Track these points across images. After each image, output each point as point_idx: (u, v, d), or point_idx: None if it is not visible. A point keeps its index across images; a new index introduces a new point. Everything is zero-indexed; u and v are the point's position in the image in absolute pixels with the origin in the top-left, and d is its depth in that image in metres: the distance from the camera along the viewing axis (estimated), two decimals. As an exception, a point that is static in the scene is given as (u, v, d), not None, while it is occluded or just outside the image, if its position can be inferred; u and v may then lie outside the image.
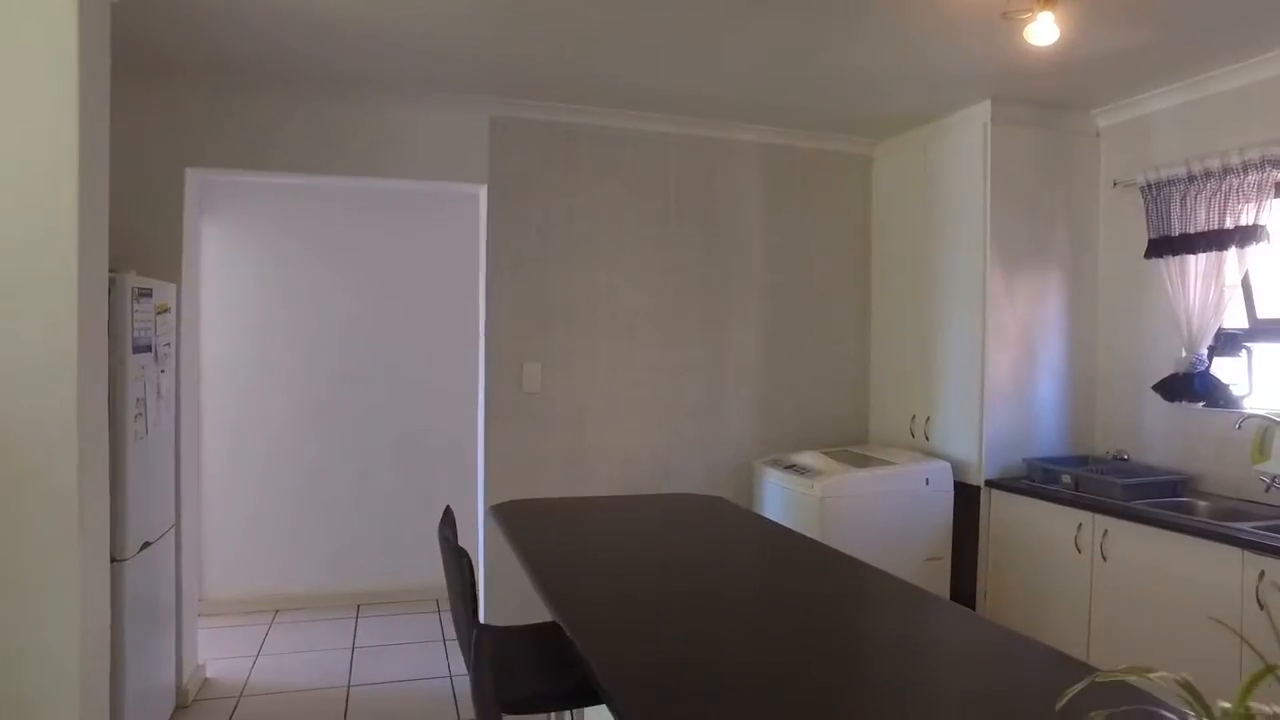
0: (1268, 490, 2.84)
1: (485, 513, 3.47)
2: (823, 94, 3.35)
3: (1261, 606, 2.37)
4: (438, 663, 3.57)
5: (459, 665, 3.54)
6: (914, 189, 3.78)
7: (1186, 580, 2.57)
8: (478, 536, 3.61)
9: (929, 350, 3.67)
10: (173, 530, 3.04)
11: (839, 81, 3.19)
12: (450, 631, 3.95)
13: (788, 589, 1.92)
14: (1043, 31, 2.26)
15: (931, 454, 3.57)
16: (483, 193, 3.52)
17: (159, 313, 2.89)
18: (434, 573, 4.42)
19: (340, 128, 3.29)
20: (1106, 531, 2.85)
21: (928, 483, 3.36)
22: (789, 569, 2.07)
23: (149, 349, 2.78)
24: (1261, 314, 3.06)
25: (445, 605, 4.34)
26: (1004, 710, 1.27)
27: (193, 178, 3.19)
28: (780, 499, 3.41)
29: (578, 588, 1.85)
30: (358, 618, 4.14)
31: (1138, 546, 2.74)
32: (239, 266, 4.17)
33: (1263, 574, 2.37)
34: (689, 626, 1.61)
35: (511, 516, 2.51)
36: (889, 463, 3.40)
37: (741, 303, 3.86)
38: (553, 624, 1.71)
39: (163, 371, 2.93)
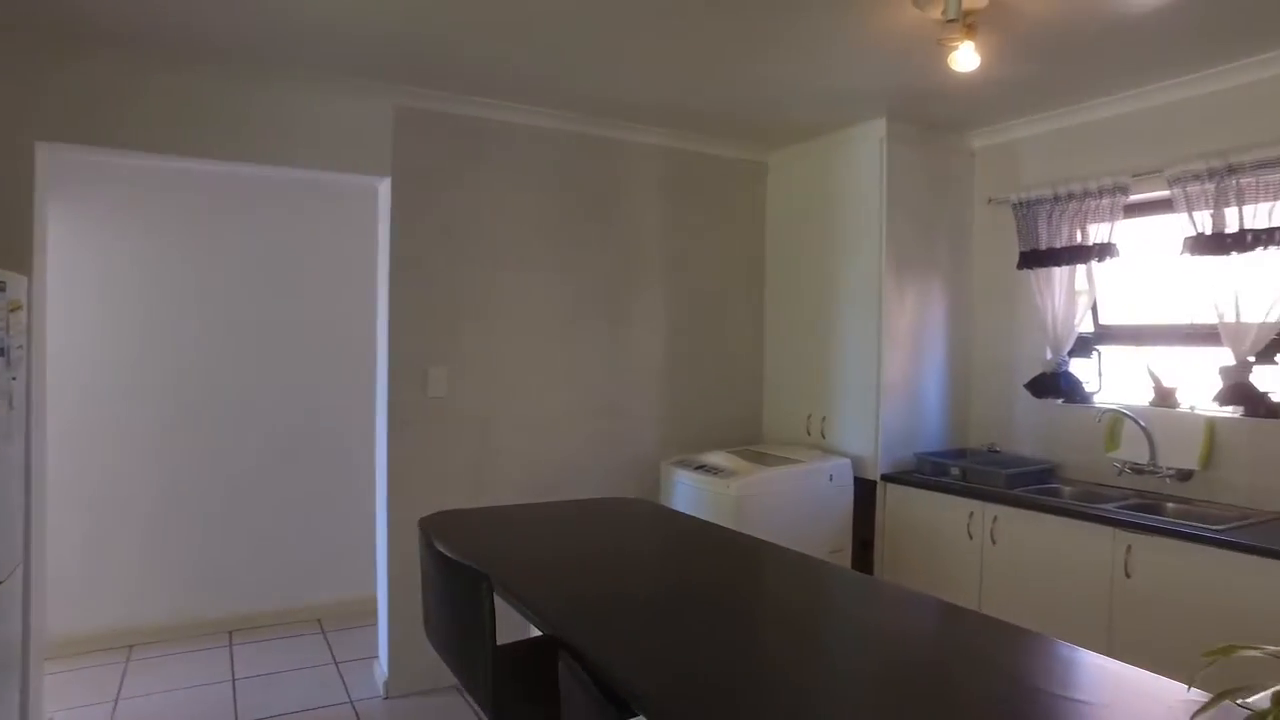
0: (1120, 474, 3.22)
1: (389, 524, 3.27)
2: (726, 103, 3.42)
3: (1129, 576, 2.69)
4: (333, 689, 3.32)
5: (360, 689, 3.31)
6: (811, 197, 3.95)
7: (1065, 557, 2.86)
8: (377, 551, 3.40)
9: (826, 352, 3.86)
10: (21, 568, 2.62)
11: (743, 92, 3.27)
12: (345, 653, 3.69)
13: (756, 583, 1.96)
14: (965, 59, 2.44)
15: (829, 451, 3.76)
16: (384, 186, 3.31)
17: (10, 310, 2.49)
18: (317, 591, 4.16)
19: (220, 106, 2.97)
20: (996, 518, 3.12)
21: (831, 479, 3.53)
22: (744, 562, 2.11)
23: (1, 352, 2.39)
24: (1108, 320, 3.46)
25: (331, 625, 4.06)
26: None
27: (44, 153, 2.77)
28: (693, 499, 3.46)
29: (560, 599, 1.78)
30: (232, 645, 3.77)
31: (1023, 530, 3.02)
32: (85, 256, 3.68)
33: (1130, 548, 2.68)
34: (700, 632, 1.60)
35: (447, 529, 2.38)
36: (795, 461, 3.53)
37: (645, 304, 3.88)
38: (537, 641, 1.65)
39: (14, 379, 2.53)
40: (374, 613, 4.19)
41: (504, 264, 3.52)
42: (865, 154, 3.63)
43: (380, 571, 3.37)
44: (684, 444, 3.99)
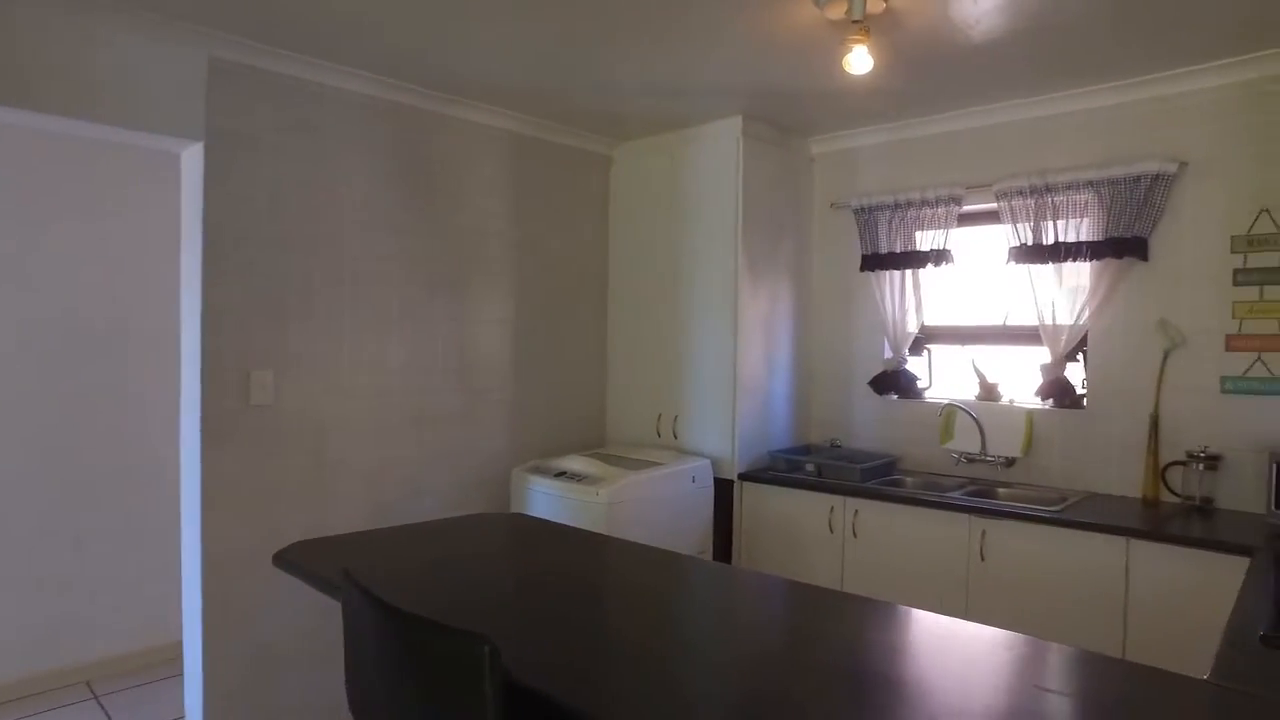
0: (957, 464, 3.48)
1: (204, 559, 2.71)
2: (575, 89, 3.24)
3: (983, 559, 2.90)
4: (125, 767, 2.70)
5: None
6: (660, 192, 3.88)
7: (925, 545, 3.03)
8: (185, 591, 2.82)
9: (678, 351, 3.81)
10: None
11: (594, 80, 3.12)
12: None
13: (683, 591, 1.82)
14: (859, 62, 2.47)
15: (684, 452, 3.71)
16: (193, 153, 2.74)
17: None
18: (84, 646, 3.38)
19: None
20: (857, 511, 3.24)
21: (694, 480, 3.48)
22: (664, 572, 1.97)
23: None
24: (940, 321, 3.74)
25: (102, 689, 3.33)
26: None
27: None
28: (555, 508, 3.24)
29: (505, 635, 1.52)
30: (-32, 729, 2.95)
31: (884, 522, 3.16)
32: None
33: (984, 533, 2.89)
34: (650, 651, 1.42)
35: (316, 562, 1.99)
36: (656, 463, 3.44)
37: (489, 300, 3.59)
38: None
39: None
40: (157, 667, 3.53)
41: (338, 251, 3.07)
42: (721, 151, 3.62)
43: (191, 617, 2.79)
44: (531, 449, 3.75)
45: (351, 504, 3.11)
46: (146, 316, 3.64)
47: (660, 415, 3.88)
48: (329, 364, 3.04)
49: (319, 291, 3.01)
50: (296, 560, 2.03)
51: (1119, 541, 2.61)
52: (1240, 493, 2.84)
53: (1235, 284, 2.87)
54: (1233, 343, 2.88)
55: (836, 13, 2.39)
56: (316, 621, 3.00)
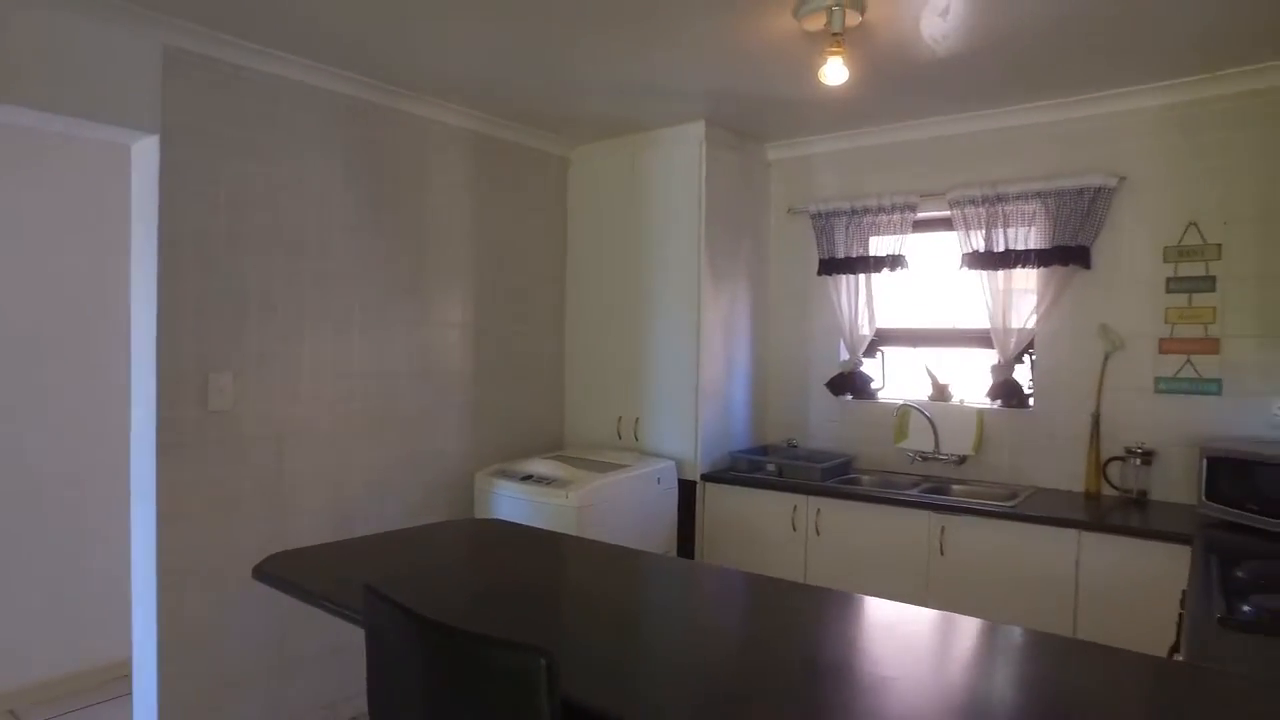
0: (912, 462, 3.62)
1: (159, 574, 2.57)
2: (536, 89, 3.21)
3: (943, 553, 3.02)
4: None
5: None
6: (620, 195, 3.88)
7: (887, 541, 3.14)
8: (136, 609, 2.67)
9: (639, 353, 3.82)
10: None
11: (556, 80, 3.10)
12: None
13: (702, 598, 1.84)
14: (835, 73, 2.54)
15: (646, 454, 3.73)
16: (145, 145, 2.59)
17: None
18: (17, 673, 3.13)
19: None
20: (820, 510, 3.32)
21: (659, 482, 3.50)
22: (667, 579, 1.99)
23: None
24: (894, 324, 3.86)
25: (32, 717, 3.13)
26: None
27: None
28: (523, 511, 3.21)
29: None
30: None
31: (846, 520, 3.25)
32: None
33: (944, 528, 3.02)
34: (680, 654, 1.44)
35: (298, 574, 1.92)
36: (621, 466, 3.44)
37: (450, 301, 3.53)
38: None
39: None
40: (91, 691, 3.34)
41: (299, 250, 2.96)
42: (684, 155, 3.65)
43: (143, 636, 2.64)
44: (491, 453, 3.70)
45: (313, 512, 3.01)
46: (78, 318, 3.43)
47: (621, 417, 3.89)
48: (289, 367, 2.93)
49: (279, 292, 2.90)
50: (278, 573, 1.95)
51: (1070, 534, 2.77)
52: (1172, 485, 3.04)
53: (1167, 291, 3.08)
54: (1165, 346, 3.08)
55: (815, 24, 2.45)
56: (277, 636, 2.89)
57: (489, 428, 3.71)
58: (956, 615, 1.70)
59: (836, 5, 2.36)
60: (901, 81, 3.04)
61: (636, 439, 3.82)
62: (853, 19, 2.42)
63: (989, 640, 1.59)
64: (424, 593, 1.85)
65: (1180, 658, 1.80)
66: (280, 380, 2.90)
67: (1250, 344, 2.94)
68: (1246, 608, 1.87)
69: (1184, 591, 2.39)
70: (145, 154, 2.60)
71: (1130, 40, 2.63)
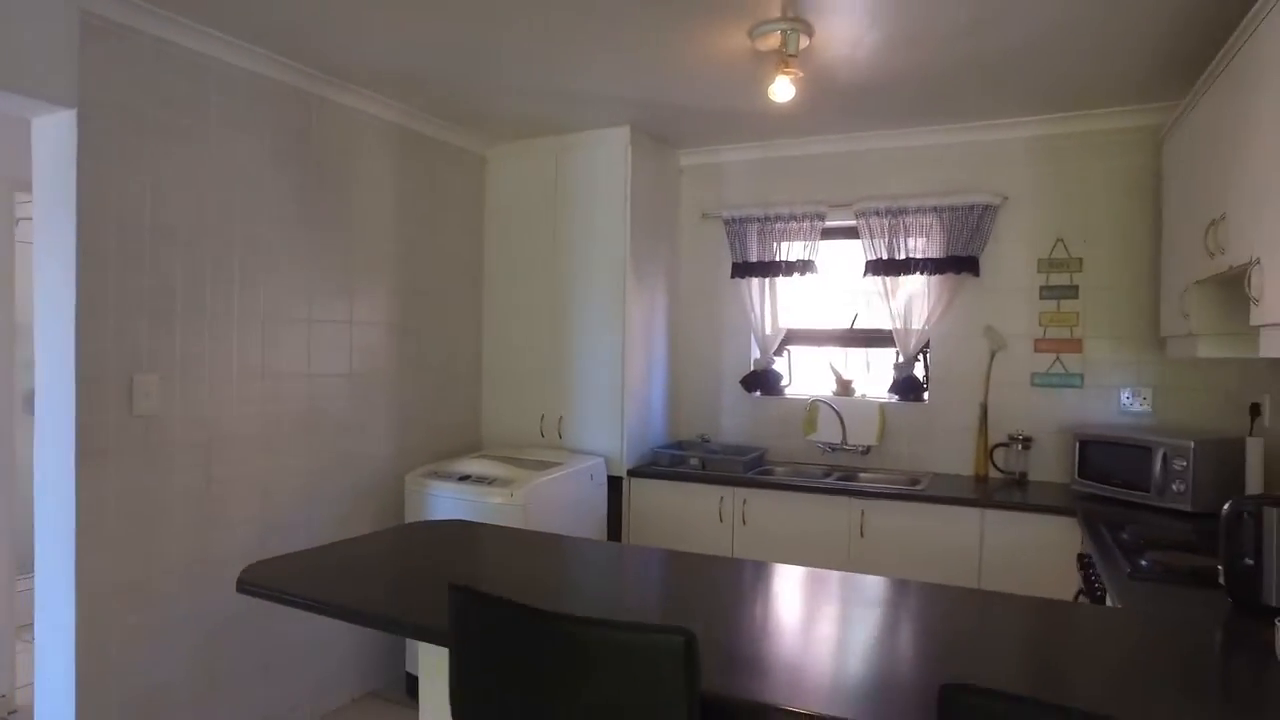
0: (823, 453, 3.89)
1: (78, 597, 2.32)
2: (459, 86, 3.18)
3: (863, 535, 3.30)
4: None
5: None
6: (542, 195, 3.90)
7: (811, 527, 3.37)
8: (47, 638, 2.39)
9: (563, 353, 3.85)
10: None
11: (481, 79, 3.10)
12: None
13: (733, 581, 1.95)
14: (782, 91, 2.72)
15: (573, 451, 3.77)
16: (57, 120, 2.33)
17: None
18: None
19: None
20: (746, 500, 3.51)
21: (592, 478, 3.56)
22: (704, 570, 2.08)
23: None
24: (802, 324, 4.13)
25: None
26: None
27: None
28: (463, 512, 3.16)
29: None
30: None
31: (772, 508, 3.46)
32: None
33: (864, 512, 3.30)
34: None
35: (292, 584, 1.83)
36: (556, 463, 3.47)
37: (376, 299, 3.41)
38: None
39: None
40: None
41: (227, 243, 2.76)
42: (608, 159, 3.73)
43: (54, 665, 2.37)
44: (414, 455, 3.61)
45: (248, 522, 2.82)
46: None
47: (544, 415, 3.90)
48: (216, 368, 2.73)
49: (205, 287, 2.69)
50: (269, 584, 1.85)
51: (975, 512, 3.12)
52: (1046, 467, 3.49)
53: (1041, 298, 3.53)
54: (1039, 345, 3.53)
55: (769, 45, 2.62)
56: (204, 656, 2.69)
57: (412, 429, 3.61)
58: (875, 576, 1.93)
59: (791, 29, 2.54)
60: (817, 100, 3.28)
61: (560, 437, 3.85)
62: (804, 42, 2.61)
63: (925, 592, 1.80)
64: (431, 591, 1.82)
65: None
66: (207, 382, 2.70)
67: (1105, 344, 3.44)
68: (1144, 562, 2.23)
69: (1079, 554, 2.77)
70: (56, 129, 2.34)
71: (1011, 82, 3.02)
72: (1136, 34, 2.59)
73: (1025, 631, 1.62)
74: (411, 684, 3.37)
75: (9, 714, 3.17)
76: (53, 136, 2.35)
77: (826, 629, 1.60)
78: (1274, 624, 1.50)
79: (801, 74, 2.75)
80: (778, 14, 2.50)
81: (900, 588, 1.87)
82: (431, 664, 1.95)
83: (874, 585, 1.87)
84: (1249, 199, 2.02)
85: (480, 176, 4.03)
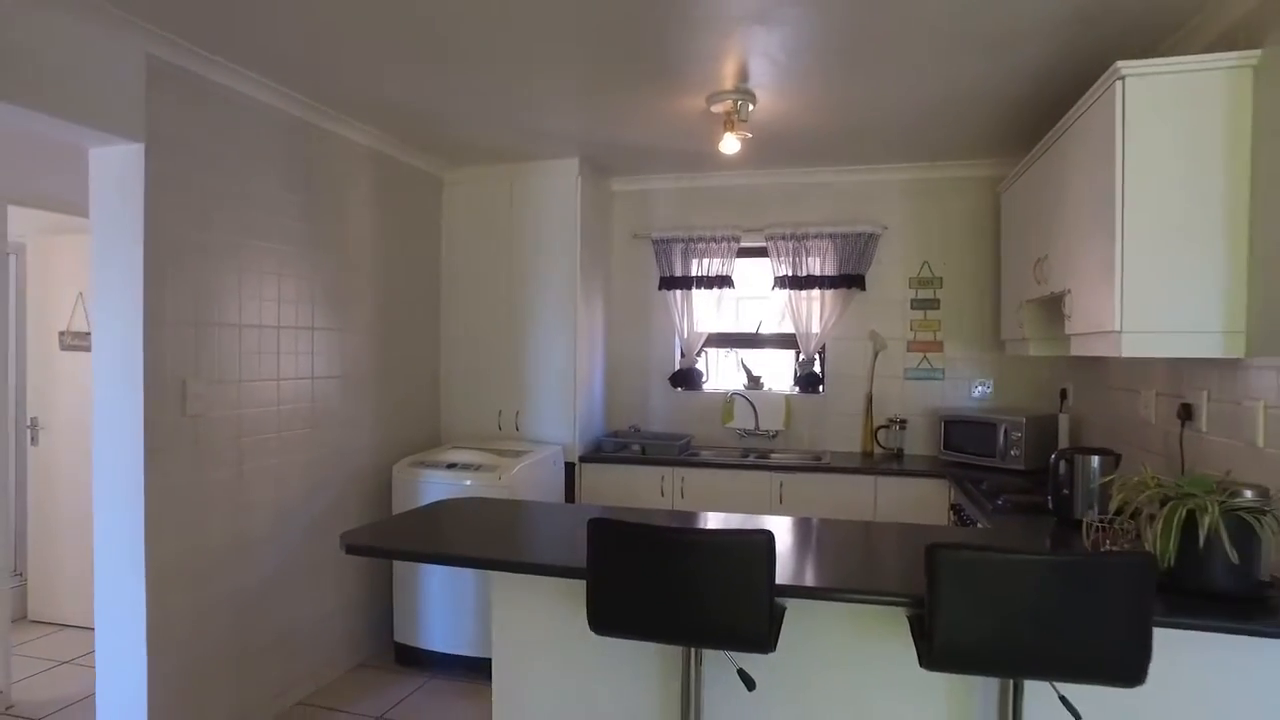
0: (740, 438, 4.62)
1: (149, 580, 2.62)
2: (427, 117, 3.58)
3: (781, 502, 4.04)
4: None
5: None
6: (498, 215, 4.38)
7: (739, 498, 4.07)
8: (123, 615, 2.67)
9: (520, 355, 4.36)
10: None
11: (446, 115, 3.53)
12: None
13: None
14: (729, 145, 3.39)
15: (533, 441, 4.28)
16: (123, 153, 2.62)
17: None
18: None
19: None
20: (683, 478, 4.17)
21: (554, 464, 4.09)
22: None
23: None
24: (720, 329, 4.84)
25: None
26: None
27: None
28: (455, 494, 3.60)
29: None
30: None
31: (705, 483, 4.13)
32: None
33: (782, 484, 4.04)
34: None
35: (385, 543, 2.29)
36: (525, 451, 3.97)
37: (362, 308, 3.78)
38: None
39: None
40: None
41: (250, 263, 3.09)
42: (562, 186, 4.28)
43: (129, 641, 2.65)
44: (392, 449, 4.01)
45: (265, 506, 3.16)
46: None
47: (501, 410, 4.39)
48: (244, 372, 3.06)
49: (234, 299, 3.02)
50: (370, 543, 2.30)
51: (869, 478, 3.94)
52: (918, 442, 4.39)
53: (911, 308, 4.42)
54: (911, 346, 4.43)
55: (722, 109, 3.29)
56: (237, 631, 3.02)
57: (389, 425, 4.00)
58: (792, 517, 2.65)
59: (743, 99, 3.22)
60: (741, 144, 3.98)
61: (518, 429, 4.36)
62: (750, 108, 3.29)
63: (847, 525, 2.54)
64: (506, 537, 2.34)
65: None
66: (237, 385, 3.02)
67: (959, 345, 4.38)
68: (999, 502, 3.08)
69: (951, 504, 3.64)
70: (124, 160, 2.63)
71: (892, 139, 3.86)
72: (983, 113, 3.47)
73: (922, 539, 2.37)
74: (401, 653, 3.78)
75: (6, 709, 3.30)
76: (118, 166, 2.63)
77: (801, 546, 2.28)
78: (1080, 525, 2.32)
79: (749, 134, 3.43)
80: (732, 88, 3.17)
81: (829, 524, 2.58)
82: (505, 598, 2.44)
83: (808, 522, 2.57)
84: (1064, 246, 2.88)
85: (439, 196, 4.46)
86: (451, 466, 3.72)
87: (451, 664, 3.69)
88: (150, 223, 2.64)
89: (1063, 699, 1.76)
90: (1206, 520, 1.78)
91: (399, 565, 3.81)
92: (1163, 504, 1.90)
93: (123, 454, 2.65)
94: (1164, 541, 1.83)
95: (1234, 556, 1.75)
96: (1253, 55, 2.13)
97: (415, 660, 3.75)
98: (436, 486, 3.67)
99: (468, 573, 3.64)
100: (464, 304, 4.47)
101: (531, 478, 3.80)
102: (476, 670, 3.62)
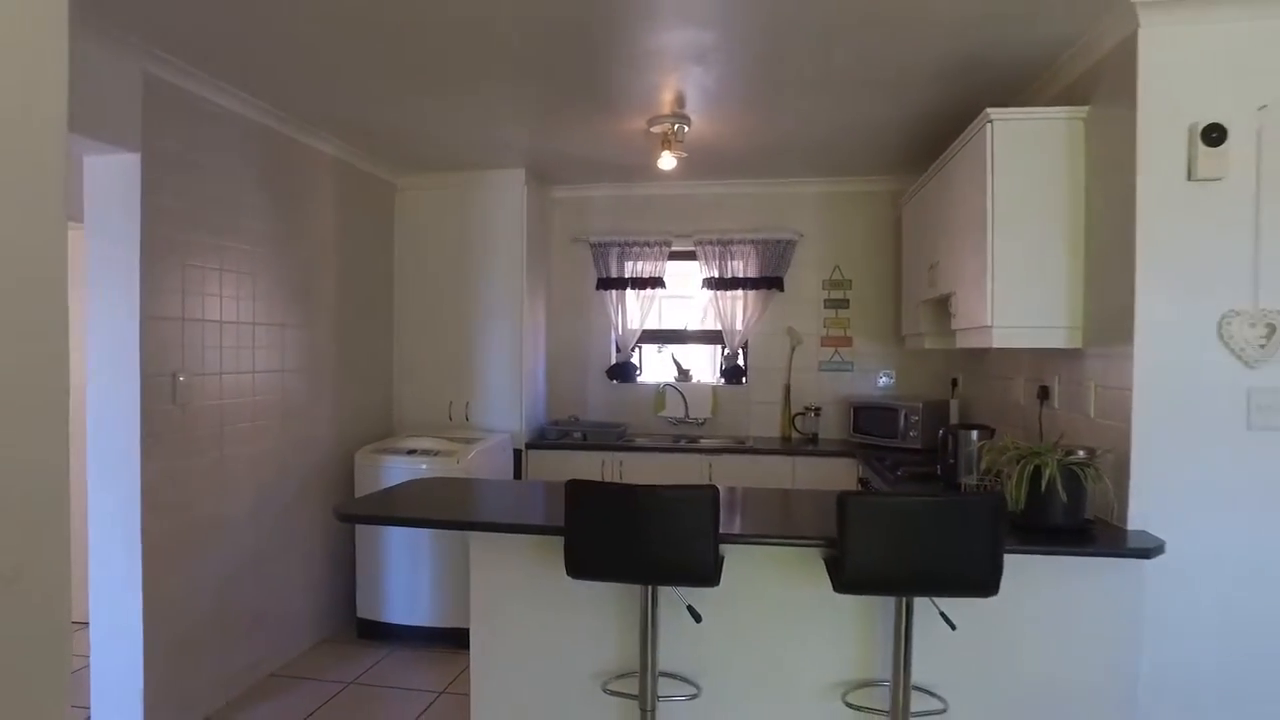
0: (672, 425, 5.07)
1: (144, 553, 2.86)
2: (383, 128, 3.86)
3: (711, 479, 4.50)
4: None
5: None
6: (450, 221, 4.70)
7: (673, 476, 4.49)
8: (119, 591, 2.89)
9: (470, 350, 4.68)
10: None
11: (403, 129, 3.85)
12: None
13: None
14: (666, 162, 3.81)
15: (481, 430, 4.62)
16: (119, 162, 2.84)
17: None
18: None
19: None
20: (622, 462, 4.58)
21: (503, 450, 4.44)
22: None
23: None
24: (653, 326, 5.27)
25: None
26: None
27: None
28: (415, 476, 3.91)
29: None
30: None
31: (642, 466, 4.55)
32: None
33: (711, 464, 4.50)
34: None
35: (376, 512, 2.62)
36: (477, 439, 4.31)
37: (323, 305, 4.04)
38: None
39: None
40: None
41: (229, 263, 3.34)
42: (510, 195, 4.63)
43: (126, 612, 2.87)
44: (350, 438, 4.27)
45: (241, 490, 3.41)
46: None
47: (451, 402, 4.70)
48: (224, 365, 3.30)
49: (218, 299, 3.26)
50: (363, 513, 2.63)
51: (788, 459, 4.44)
52: (831, 427, 4.92)
53: (824, 307, 4.96)
54: (824, 341, 4.96)
55: (660, 130, 3.71)
56: (218, 606, 3.27)
57: (348, 416, 4.26)
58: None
59: (680, 123, 3.65)
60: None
61: (468, 419, 4.68)
62: (686, 130, 3.73)
63: (771, 493, 3.01)
64: (480, 507, 2.71)
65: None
66: (219, 377, 3.27)
67: (866, 341, 4.94)
68: (899, 473, 3.61)
69: (859, 479, 4.17)
70: (121, 168, 2.85)
71: (807, 156, 4.37)
72: (885, 138, 4.01)
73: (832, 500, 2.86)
74: (363, 627, 4.06)
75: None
76: (116, 174, 2.85)
77: (735, 507, 2.73)
78: (960, 487, 2.85)
79: (685, 153, 3.86)
80: (670, 113, 3.60)
81: (756, 491, 3.05)
82: (482, 558, 2.79)
83: (737, 490, 3.02)
84: (950, 254, 3.43)
85: (392, 201, 4.73)
86: (411, 452, 4.02)
87: (411, 635, 3.99)
88: (147, 228, 2.87)
89: (942, 614, 2.26)
90: (1047, 472, 2.30)
91: (361, 544, 4.08)
92: (1018, 462, 2.42)
93: (119, 440, 2.87)
94: (1017, 490, 2.35)
95: (1064, 498, 2.28)
96: (1083, 110, 2.69)
97: (377, 633, 4.04)
98: (397, 470, 3.97)
99: (425, 549, 3.96)
100: (416, 302, 4.76)
101: (484, 462, 4.14)
102: (435, 639, 3.94)
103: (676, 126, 3.66)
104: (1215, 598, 2.36)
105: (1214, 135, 2.26)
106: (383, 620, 4.03)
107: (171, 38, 2.78)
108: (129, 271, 2.86)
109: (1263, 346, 2.29)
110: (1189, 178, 2.32)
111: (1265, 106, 2.25)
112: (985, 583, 2.09)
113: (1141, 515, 2.39)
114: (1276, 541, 2.32)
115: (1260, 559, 2.33)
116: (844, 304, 4.95)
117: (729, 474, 4.47)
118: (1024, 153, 2.78)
